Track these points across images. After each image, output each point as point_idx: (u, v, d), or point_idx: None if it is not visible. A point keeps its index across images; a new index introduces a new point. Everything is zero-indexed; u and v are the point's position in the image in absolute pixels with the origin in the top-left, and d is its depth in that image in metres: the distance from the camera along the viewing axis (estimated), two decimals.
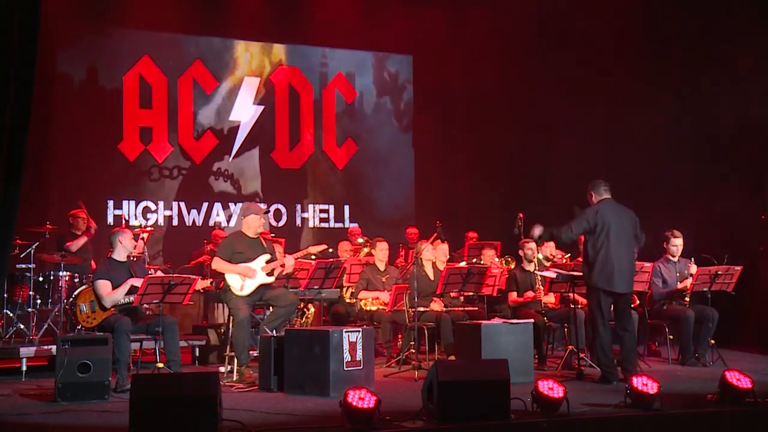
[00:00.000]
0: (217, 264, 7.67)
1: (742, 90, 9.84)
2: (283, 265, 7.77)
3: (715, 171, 10.37)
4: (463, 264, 9.14)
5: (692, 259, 8.62)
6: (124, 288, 7.23)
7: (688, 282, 8.41)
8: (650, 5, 10.94)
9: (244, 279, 7.58)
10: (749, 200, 9.99)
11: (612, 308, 7.30)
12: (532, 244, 8.78)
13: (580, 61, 11.57)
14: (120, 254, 7.49)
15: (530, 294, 8.44)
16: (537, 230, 7.40)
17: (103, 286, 7.23)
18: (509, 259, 9.29)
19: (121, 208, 11.74)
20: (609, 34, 11.18)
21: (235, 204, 12.49)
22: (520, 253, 8.85)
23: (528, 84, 12.34)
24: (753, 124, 9.80)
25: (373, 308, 8.74)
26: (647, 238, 7.55)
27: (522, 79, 12.33)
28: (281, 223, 12.83)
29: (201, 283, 7.67)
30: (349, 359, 6.65)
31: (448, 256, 9.32)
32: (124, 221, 9.16)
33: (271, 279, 7.70)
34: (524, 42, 12.23)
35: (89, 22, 11.86)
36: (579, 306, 8.08)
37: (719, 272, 8.31)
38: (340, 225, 13.16)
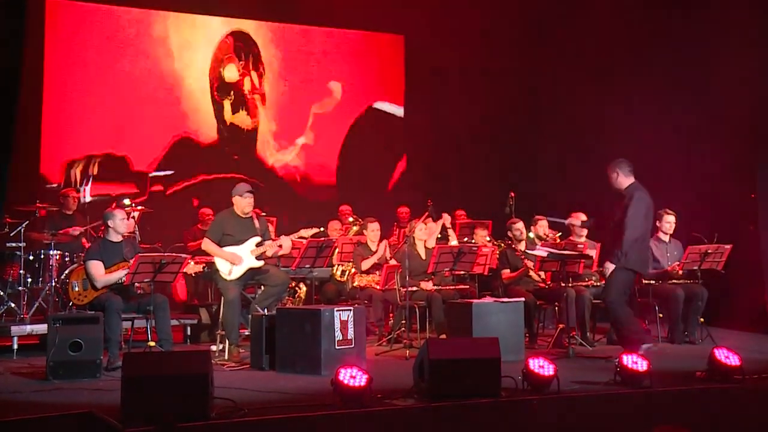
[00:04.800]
0: (206, 245, 7.64)
1: (731, 70, 9.83)
2: (280, 246, 7.74)
3: (704, 149, 10.38)
4: (454, 243, 9.16)
5: (681, 250, 8.67)
6: (119, 273, 7.20)
7: (676, 264, 8.47)
8: None
9: (232, 264, 7.55)
10: (739, 179, 10.02)
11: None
12: (520, 224, 8.82)
13: (573, 39, 11.54)
14: (113, 235, 7.47)
15: (529, 264, 8.48)
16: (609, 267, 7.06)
17: (95, 266, 7.22)
18: (502, 244, 9.32)
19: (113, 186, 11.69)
20: (603, 15, 11.14)
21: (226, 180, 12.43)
22: (509, 233, 8.89)
23: (520, 62, 12.30)
24: (742, 103, 9.80)
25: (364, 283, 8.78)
26: None
27: (514, 58, 12.28)
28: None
29: (192, 268, 7.65)
30: (341, 338, 6.67)
31: (439, 235, 9.34)
32: (115, 200, 9.09)
33: (260, 263, 7.63)
34: (518, 18, 12.16)
35: None
36: (570, 284, 8.11)
37: (709, 251, 8.35)
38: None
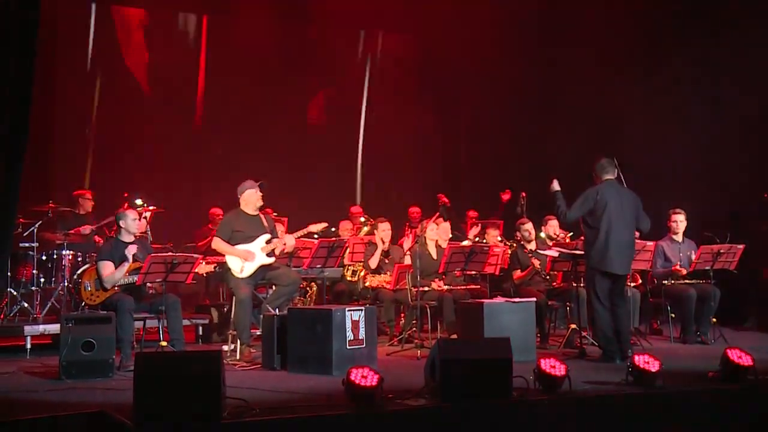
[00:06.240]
0: (217, 244, 7.64)
1: (749, 68, 9.80)
2: (285, 244, 7.76)
3: (717, 148, 10.35)
4: (466, 243, 9.16)
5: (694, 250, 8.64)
6: (122, 269, 7.24)
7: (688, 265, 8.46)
8: None
9: (244, 261, 7.56)
10: (752, 178, 9.99)
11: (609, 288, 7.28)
12: (529, 225, 8.82)
13: (584, 39, 11.51)
14: (125, 235, 7.50)
15: (536, 262, 8.50)
16: (555, 185, 7.42)
17: (105, 266, 7.25)
18: (513, 244, 9.32)
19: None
20: (613, 13, 11.11)
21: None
22: (517, 234, 8.89)
23: (531, 61, 12.27)
24: (756, 102, 9.77)
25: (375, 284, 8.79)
26: (650, 218, 7.51)
27: (524, 57, 12.26)
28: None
29: (204, 268, 7.67)
30: (352, 338, 6.67)
31: (450, 235, 9.33)
32: (126, 201, 9.09)
33: (271, 260, 7.64)
34: (528, 19, 12.15)
35: None
36: (581, 284, 8.09)
37: (721, 251, 8.32)
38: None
